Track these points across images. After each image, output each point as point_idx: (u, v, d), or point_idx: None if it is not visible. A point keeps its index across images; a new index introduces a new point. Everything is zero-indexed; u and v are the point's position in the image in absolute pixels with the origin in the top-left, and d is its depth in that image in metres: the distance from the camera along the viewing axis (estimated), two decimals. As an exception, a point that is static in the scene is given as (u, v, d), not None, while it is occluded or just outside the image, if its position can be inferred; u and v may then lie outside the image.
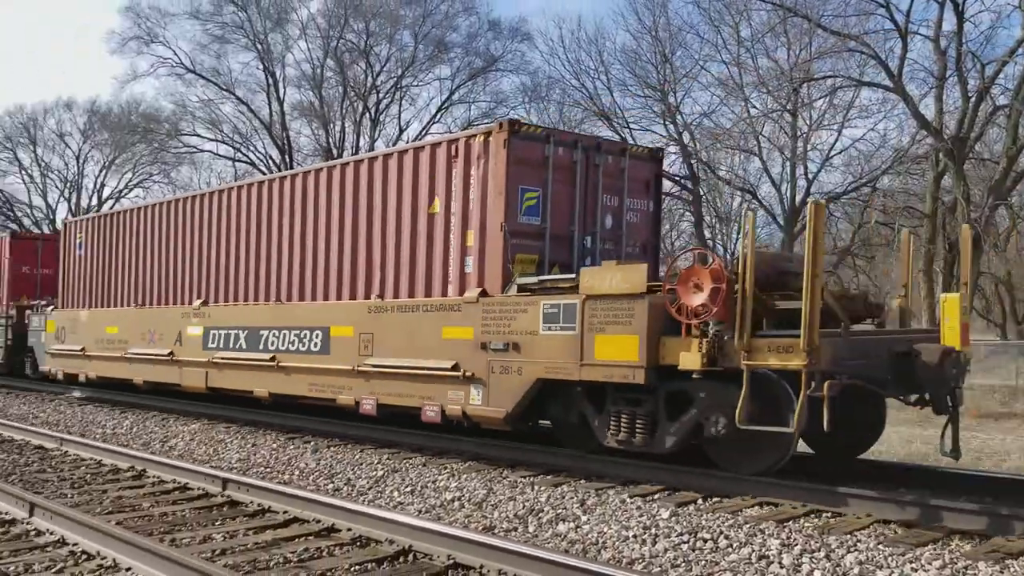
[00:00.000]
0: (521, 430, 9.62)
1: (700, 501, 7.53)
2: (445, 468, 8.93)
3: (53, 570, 5.59)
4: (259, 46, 31.18)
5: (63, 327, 17.17)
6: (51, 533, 6.41)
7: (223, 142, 33.27)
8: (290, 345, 11.50)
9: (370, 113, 30.99)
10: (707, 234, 25.20)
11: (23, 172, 50.32)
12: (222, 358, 12.62)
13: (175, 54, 31.63)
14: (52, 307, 18.22)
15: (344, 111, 31.26)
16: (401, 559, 5.86)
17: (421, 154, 10.09)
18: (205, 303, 13.37)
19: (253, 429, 11.96)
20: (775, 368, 7.07)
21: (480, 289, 9.26)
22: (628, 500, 7.38)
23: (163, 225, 14.63)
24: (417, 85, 31.69)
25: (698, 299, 7.32)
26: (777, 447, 7.48)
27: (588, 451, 8.76)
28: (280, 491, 7.32)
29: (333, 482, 8.55)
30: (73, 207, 49.75)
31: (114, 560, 5.67)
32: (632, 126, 25.14)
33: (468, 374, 9.13)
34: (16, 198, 50.69)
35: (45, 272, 19.78)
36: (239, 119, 32.59)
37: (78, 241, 17.14)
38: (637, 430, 8.02)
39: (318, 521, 6.65)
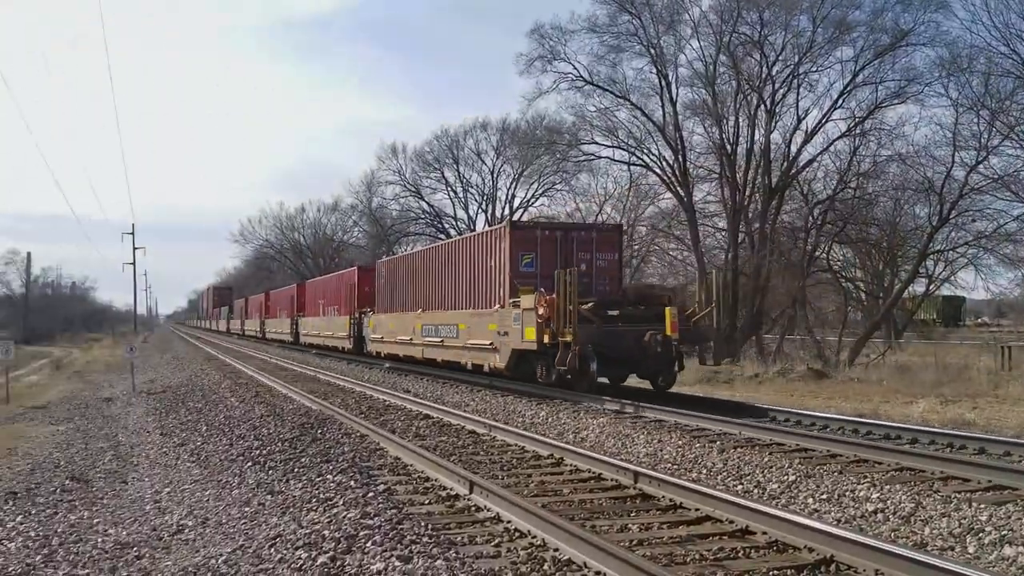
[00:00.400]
0: (516, 376, 17.55)
1: None
2: (865, 478, 8.32)
3: (492, 543, 6.18)
4: (652, 51, 31.77)
5: (375, 324, 28.04)
6: (488, 510, 7.10)
7: (618, 147, 34.37)
8: (447, 333, 20.78)
9: (765, 105, 29.98)
10: None
11: (448, 188, 57.02)
12: (426, 341, 22.38)
13: (574, 68, 33.43)
14: (371, 312, 28.84)
15: (738, 106, 30.64)
16: (822, 568, 5.56)
17: (489, 236, 18.89)
18: (423, 310, 22.67)
19: (658, 426, 12.22)
20: (568, 342, 14.68)
21: (500, 304, 17.61)
22: (1098, 529, 6.25)
23: (405, 266, 25.46)
24: (816, 71, 29.92)
25: (542, 310, 15.31)
26: (588, 379, 15.09)
27: (535, 384, 16.80)
28: (692, 488, 7.36)
29: (742, 483, 8.40)
30: (489, 217, 55.17)
31: (543, 540, 6.11)
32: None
33: (494, 347, 17.74)
34: (444, 212, 57.59)
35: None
36: (633, 124, 33.45)
37: (380, 272, 28.04)
38: (544, 372, 16.33)
39: (731, 521, 6.57)
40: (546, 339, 15.25)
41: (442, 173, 56.55)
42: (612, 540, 5.99)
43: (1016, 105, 23.21)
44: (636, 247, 38.27)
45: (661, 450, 10.33)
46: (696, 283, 17.00)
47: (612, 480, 8.35)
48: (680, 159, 31.72)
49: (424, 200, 57.30)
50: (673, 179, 32.19)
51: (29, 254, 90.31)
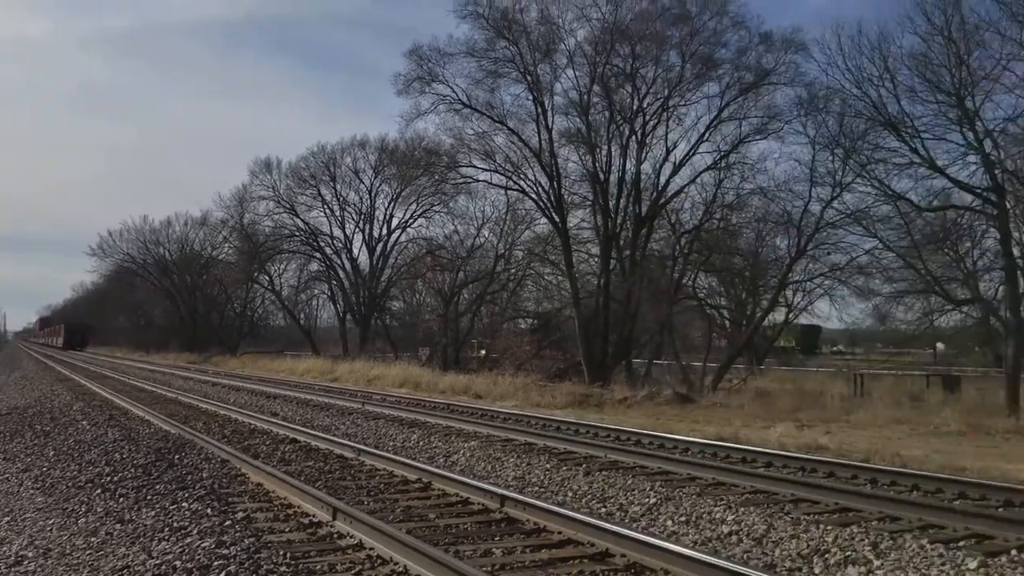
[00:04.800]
0: None
1: (1014, 552, 6.64)
2: (721, 500, 8.62)
3: (352, 572, 6.04)
4: (528, 77, 32.31)
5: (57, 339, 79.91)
6: (351, 537, 6.95)
7: (496, 171, 34.68)
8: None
9: (636, 136, 31.00)
10: (1016, 252, 22.40)
11: (325, 206, 55.96)
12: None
13: (453, 91, 33.58)
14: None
15: (610, 135, 31.50)
16: (677, 591, 5.74)
17: None
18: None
19: (528, 449, 12.31)
20: None
21: None
22: (928, 546, 6.68)
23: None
24: (684, 104, 31.19)
25: None
26: None
27: None
28: (555, 511, 7.44)
29: (605, 506, 8.56)
30: (366, 237, 54.64)
31: (405, 567, 6.03)
32: (924, 135, 23.00)
33: None
34: (320, 230, 56.47)
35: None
36: (511, 149, 33.85)
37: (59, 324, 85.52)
38: None
39: (592, 544, 6.65)
40: None
41: (318, 190, 55.48)
42: (475, 565, 5.97)
43: (867, 144, 24.94)
44: (512, 271, 38.69)
45: (530, 473, 10.41)
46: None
47: (479, 504, 8.33)
48: (555, 185, 32.23)
49: (299, 217, 56.00)
50: (548, 205, 32.68)
51: None
